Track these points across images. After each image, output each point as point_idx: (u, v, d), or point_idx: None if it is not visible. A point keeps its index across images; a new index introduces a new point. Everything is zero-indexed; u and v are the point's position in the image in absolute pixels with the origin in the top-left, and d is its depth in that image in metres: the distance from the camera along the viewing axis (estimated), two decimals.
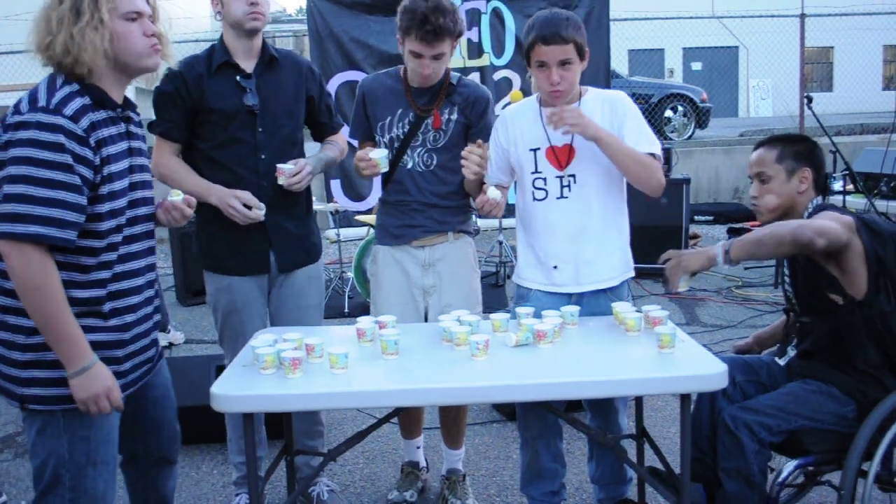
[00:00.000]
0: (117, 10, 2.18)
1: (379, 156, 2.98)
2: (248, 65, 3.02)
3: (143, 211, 2.36)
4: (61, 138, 2.08)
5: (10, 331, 2.19)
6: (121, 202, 2.24)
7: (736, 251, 2.55)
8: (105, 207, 2.19)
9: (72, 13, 2.14)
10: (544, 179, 2.96)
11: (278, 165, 2.98)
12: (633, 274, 3.07)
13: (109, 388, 2.21)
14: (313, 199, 3.36)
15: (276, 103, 3.04)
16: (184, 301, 6.95)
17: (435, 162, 3.13)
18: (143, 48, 2.25)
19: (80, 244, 2.16)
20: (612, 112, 2.90)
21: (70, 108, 2.11)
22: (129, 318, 2.32)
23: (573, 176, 2.92)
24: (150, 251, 2.42)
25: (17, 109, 2.11)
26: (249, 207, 2.94)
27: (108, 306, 2.25)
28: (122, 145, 2.26)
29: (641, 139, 2.86)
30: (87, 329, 2.19)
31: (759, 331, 3.18)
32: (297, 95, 3.12)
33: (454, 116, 3.12)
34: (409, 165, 3.14)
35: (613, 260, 2.99)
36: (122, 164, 2.25)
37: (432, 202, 3.15)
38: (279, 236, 3.09)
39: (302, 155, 3.18)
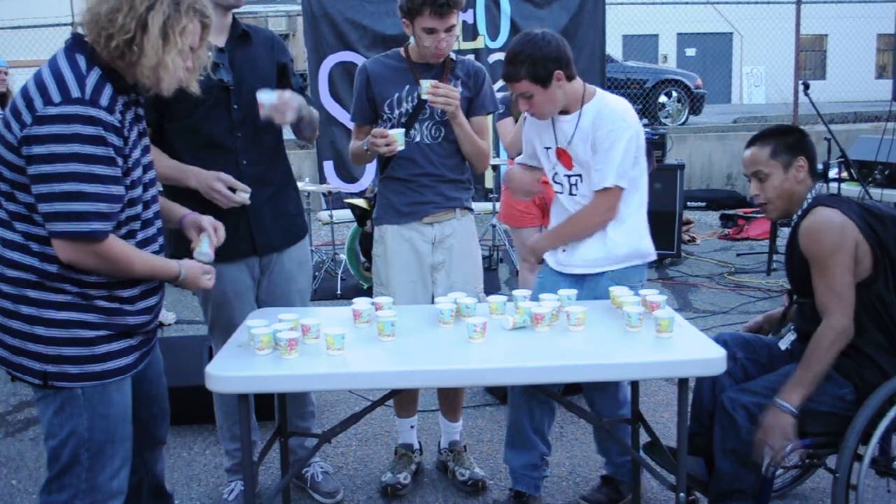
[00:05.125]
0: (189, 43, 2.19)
1: (397, 132, 3.04)
2: (218, 40, 2.89)
3: (151, 194, 2.33)
4: (101, 131, 2.04)
5: (35, 305, 2.14)
6: (138, 190, 2.23)
7: (798, 398, 2.56)
8: (127, 196, 2.17)
9: (161, 33, 2.10)
10: (556, 175, 3.12)
11: (258, 97, 2.80)
12: (641, 261, 3.09)
13: (203, 270, 2.40)
14: (306, 179, 3.32)
15: (253, 79, 2.93)
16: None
17: (443, 134, 3.21)
18: (175, 80, 2.22)
19: None
20: (594, 130, 2.94)
21: (104, 98, 2.07)
22: (143, 304, 2.31)
23: (579, 176, 3.04)
24: (160, 233, 2.39)
25: (48, 100, 2.01)
26: (233, 190, 2.84)
27: (128, 292, 2.24)
28: (135, 130, 2.24)
29: (604, 173, 2.92)
30: (101, 311, 2.19)
31: (770, 311, 3.18)
32: (271, 69, 3.03)
33: (459, 89, 3.18)
34: (417, 139, 3.19)
35: (615, 248, 3.01)
36: (137, 151, 2.23)
37: (441, 174, 3.22)
38: (258, 217, 2.99)
39: (280, 139, 3.10)
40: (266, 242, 3.05)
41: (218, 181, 2.82)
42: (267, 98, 2.80)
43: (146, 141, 2.33)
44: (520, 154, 4.91)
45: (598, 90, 3.04)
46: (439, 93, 3.04)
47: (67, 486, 2.22)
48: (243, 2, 2.94)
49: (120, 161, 2.11)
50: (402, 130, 3.10)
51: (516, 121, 4.86)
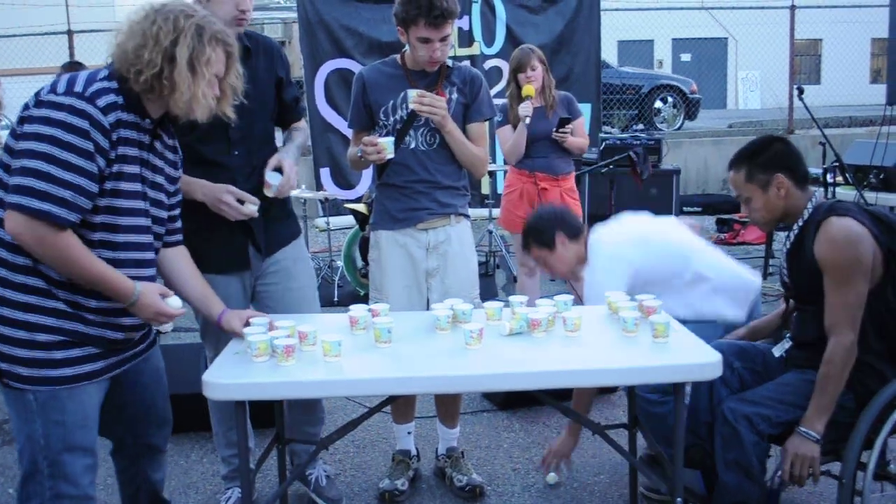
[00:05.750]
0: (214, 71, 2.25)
1: (386, 140, 3.07)
2: None
3: (144, 223, 2.34)
4: (87, 125, 2.11)
5: (1, 303, 2.19)
6: (123, 202, 2.25)
7: (821, 426, 2.57)
8: (103, 202, 2.20)
9: (189, 66, 2.17)
10: None
11: (266, 178, 2.88)
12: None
13: (157, 311, 2.30)
14: (303, 186, 3.34)
15: (252, 96, 2.85)
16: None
17: (437, 141, 3.21)
18: (207, 109, 2.28)
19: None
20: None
21: (102, 101, 2.15)
22: (116, 319, 2.32)
23: None
24: (147, 263, 2.38)
25: (53, 89, 2.15)
26: (241, 202, 2.83)
27: (96, 303, 2.25)
28: (136, 151, 2.27)
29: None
30: (59, 314, 2.21)
31: (755, 321, 3.16)
32: (270, 85, 3.03)
33: (454, 96, 3.23)
34: (412, 145, 3.21)
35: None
36: (134, 169, 2.27)
37: (436, 180, 3.23)
38: (256, 229, 2.99)
39: (274, 150, 3.07)
40: (265, 251, 3.05)
41: (227, 194, 2.81)
42: (274, 179, 2.89)
43: (158, 178, 2.37)
44: (519, 161, 4.96)
45: (591, 245, 3.25)
46: (424, 102, 3.05)
47: (34, 495, 2.24)
48: (245, 28, 2.94)
49: (100, 160, 2.15)
50: (392, 139, 3.11)
51: (514, 128, 4.88)
